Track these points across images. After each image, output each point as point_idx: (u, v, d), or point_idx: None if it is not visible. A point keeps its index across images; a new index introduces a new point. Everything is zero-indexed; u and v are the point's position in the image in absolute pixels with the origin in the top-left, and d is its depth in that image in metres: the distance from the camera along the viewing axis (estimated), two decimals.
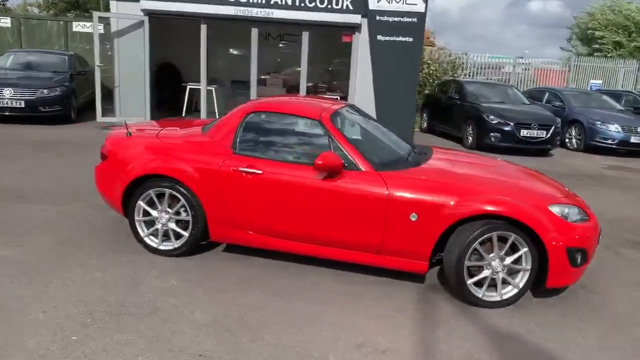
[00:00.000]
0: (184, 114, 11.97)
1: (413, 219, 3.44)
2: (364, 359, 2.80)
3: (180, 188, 3.84)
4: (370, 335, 3.03)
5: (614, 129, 11.34)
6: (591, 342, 3.15)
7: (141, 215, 4.00)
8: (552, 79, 20.06)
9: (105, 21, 10.53)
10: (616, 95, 14.35)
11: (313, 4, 10.26)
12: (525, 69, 19.89)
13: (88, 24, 14.12)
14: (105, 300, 3.25)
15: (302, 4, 10.24)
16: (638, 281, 4.15)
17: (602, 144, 11.38)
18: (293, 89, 12.78)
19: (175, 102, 13.13)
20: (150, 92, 10.70)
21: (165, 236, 4.01)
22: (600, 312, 3.57)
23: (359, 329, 3.10)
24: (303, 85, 10.90)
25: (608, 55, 21.77)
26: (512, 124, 10.31)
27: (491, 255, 3.42)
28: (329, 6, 10.29)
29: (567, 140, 12.01)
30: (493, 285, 3.49)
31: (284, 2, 10.23)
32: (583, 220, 3.53)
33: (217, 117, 11.58)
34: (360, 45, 10.53)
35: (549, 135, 10.42)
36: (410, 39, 10.37)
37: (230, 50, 13.80)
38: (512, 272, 3.50)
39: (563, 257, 3.34)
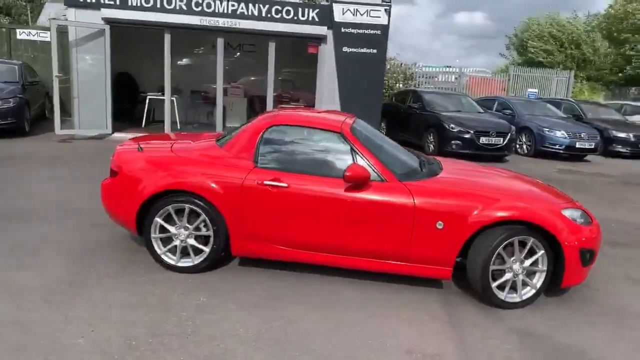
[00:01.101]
0: (143, 125, 11.63)
1: (439, 227, 3.59)
2: None
3: (201, 203, 3.79)
4: (414, 341, 3.14)
5: (560, 135, 12.15)
6: (605, 334, 3.42)
7: (158, 233, 3.91)
8: (488, 87, 21.11)
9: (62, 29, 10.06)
10: (556, 103, 15.37)
11: (279, 15, 10.33)
12: (457, 78, 20.91)
13: (34, 31, 13.42)
14: (141, 321, 3.16)
15: (269, 15, 10.28)
16: (629, 277, 4.51)
17: (550, 149, 12.16)
18: (257, 98, 12.76)
19: (132, 112, 12.74)
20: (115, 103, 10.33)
21: (183, 253, 3.94)
22: (604, 306, 3.86)
23: (401, 336, 3.20)
24: (270, 95, 10.93)
25: (537, 60, 23.28)
26: (471, 132, 10.82)
27: (512, 259, 3.63)
28: (295, 17, 10.39)
29: (518, 146, 12.72)
30: (512, 287, 3.69)
31: (250, 13, 10.23)
32: (588, 222, 3.82)
33: (179, 127, 11.38)
34: (326, 56, 10.71)
35: (505, 142, 11.02)
36: (374, 51, 10.68)
37: (188, 60, 13.56)
38: (529, 274, 3.72)
39: (576, 258, 3.61)
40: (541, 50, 23.62)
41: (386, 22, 10.57)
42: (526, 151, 12.59)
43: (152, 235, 3.90)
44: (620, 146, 13.67)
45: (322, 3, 10.42)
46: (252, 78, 13.77)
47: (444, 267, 3.70)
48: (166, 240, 3.96)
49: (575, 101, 15.89)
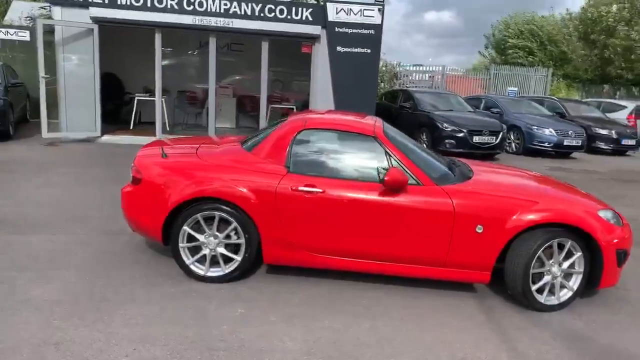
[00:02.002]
0: (131, 127, 11.33)
1: (479, 231, 3.55)
2: None
3: (233, 210, 3.66)
4: (467, 350, 3.09)
5: (549, 133, 12.34)
6: (627, 339, 3.42)
7: (185, 242, 3.76)
8: (465, 86, 21.36)
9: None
10: (539, 101, 15.61)
11: (273, 14, 10.17)
12: (431, 77, 21.13)
13: (12, 30, 12.92)
14: (183, 336, 3.02)
15: (262, 14, 10.12)
16: None
17: (539, 147, 12.34)
18: (247, 98, 12.58)
19: (118, 114, 12.40)
20: (102, 105, 10.01)
21: (211, 262, 3.80)
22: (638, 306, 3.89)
23: (452, 344, 3.14)
24: (264, 95, 10.76)
25: (519, 62, 23.66)
26: (465, 130, 10.88)
27: (551, 261, 3.61)
28: (289, 17, 10.26)
29: (507, 144, 12.87)
30: (550, 290, 3.68)
31: (243, 12, 10.05)
32: (620, 223, 3.83)
33: (168, 127, 11.12)
34: (320, 56, 10.60)
35: (498, 140, 11.13)
36: (368, 50, 10.63)
37: (175, 60, 13.26)
38: (566, 276, 3.71)
39: (613, 259, 3.62)
40: (520, 48, 24.02)
41: (380, 22, 10.53)
42: (515, 149, 12.75)
43: (180, 244, 3.75)
44: (602, 143, 13.97)
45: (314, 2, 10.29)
46: (238, 77, 13.57)
47: (482, 271, 3.66)
48: (193, 250, 3.81)
49: (557, 99, 16.19)
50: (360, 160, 3.80)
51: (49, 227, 4.80)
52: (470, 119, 11.49)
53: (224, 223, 3.74)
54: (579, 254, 3.62)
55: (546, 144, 12.30)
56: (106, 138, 10.09)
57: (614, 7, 22.60)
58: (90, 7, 9.45)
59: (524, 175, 4.48)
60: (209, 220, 3.74)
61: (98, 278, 3.75)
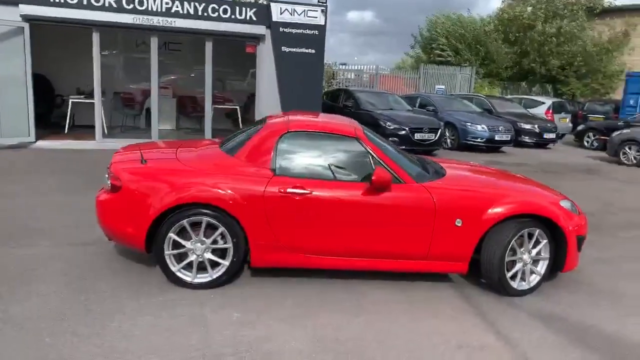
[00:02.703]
0: (66, 130, 10.74)
1: (458, 224, 3.78)
2: (470, 357, 3.05)
3: (220, 215, 3.64)
4: (459, 337, 3.29)
5: (481, 129, 13.08)
6: (605, 312, 3.80)
7: (171, 249, 3.69)
8: (395, 84, 22.08)
9: None
10: (468, 99, 16.49)
11: (216, 13, 10.03)
12: (358, 75, 21.74)
13: None
14: (187, 344, 2.99)
15: (205, 14, 9.95)
16: (598, 259, 5.01)
17: (472, 143, 13.06)
18: (188, 99, 12.31)
19: (48, 117, 11.69)
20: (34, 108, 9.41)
21: (197, 268, 3.76)
22: (593, 285, 4.29)
23: (445, 333, 3.33)
24: (209, 95, 10.58)
25: (448, 60, 24.78)
26: (407, 128, 11.30)
27: (522, 249, 3.91)
28: (233, 16, 10.16)
29: (443, 140, 13.49)
30: (521, 276, 3.98)
31: (186, 11, 9.83)
32: (576, 211, 4.21)
33: (106, 131, 10.65)
34: (265, 56, 10.59)
35: (437, 137, 11.66)
36: (313, 51, 10.76)
37: (110, 60, 12.70)
38: (534, 262, 4.02)
39: (575, 244, 3.98)
40: (449, 47, 25.12)
41: (323, 23, 10.69)
42: (450, 145, 13.40)
43: (166, 252, 3.68)
44: (527, 137, 14.98)
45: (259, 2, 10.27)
46: (173, 77, 13.22)
47: (461, 262, 3.90)
48: (177, 257, 3.75)
49: (484, 96, 17.18)
50: (344, 161, 3.91)
51: (14, 240, 4.51)
52: (410, 117, 11.94)
53: (210, 228, 3.71)
54: (545, 241, 3.95)
55: (479, 140, 13.03)
56: (41, 143, 9.51)
57: (529, 9, 24.22)
58: (20, 5, 8.85)
59: (488, 171, 4.80)
60: (195, 225, 3.69)
61: (78, 291, 3.60)
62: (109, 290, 3.65)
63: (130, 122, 12.28)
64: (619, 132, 13.30)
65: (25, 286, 3.62)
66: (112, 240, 3.99)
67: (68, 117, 10.78)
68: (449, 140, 13.44)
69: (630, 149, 12.67)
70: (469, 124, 13.16)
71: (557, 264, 4.04)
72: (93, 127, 10.16)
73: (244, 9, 10.17)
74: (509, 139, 13.36)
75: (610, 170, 11.61)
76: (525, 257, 3.93)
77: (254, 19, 10.30)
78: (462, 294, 3.98)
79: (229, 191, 3.64)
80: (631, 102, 18.52)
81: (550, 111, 18.03)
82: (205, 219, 3.65)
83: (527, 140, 14.93)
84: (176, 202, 3.59)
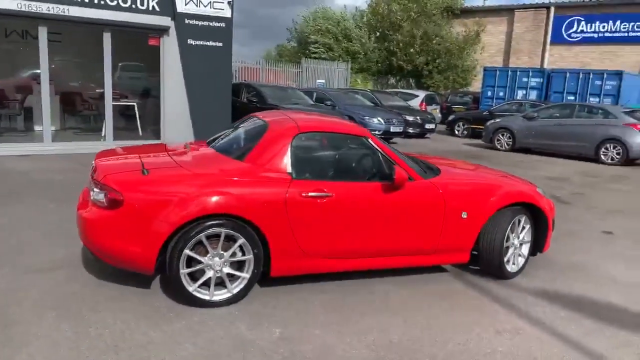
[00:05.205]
0: None
1: (464, 217, 3.98)
2: (511, 341, 3.25)
3: (241, 225, 3.38)
4: (493, 323, 3.49)
5: (377, 122, 13.71)
6: (580, 286, 4.28)
7: (185, 267, 3.34)
8: (279, 78, 22.12)
9: None
10: (355, 93, 17.16)
11: (115, 2, 9.10)
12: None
13: None
14: None
15: (103, 2, 8.97)
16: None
17: None
18: (77, 96, 11.03)
19: None
20: None
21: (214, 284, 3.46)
22: (564, 264, 4.80)
23: (479, 322, 3.50)
24: (108, 91, 9.58)
25: (322, 57, 25.48)
26: None
27: (513, 235, 4.24)
28: (133, 6, 9.31)
29: None
30: (512, 260, 4.31)
31: None
32: (547, 196, 4.67)
33: None
34: (170, 49, 9.90)
35: None
36: (220, 44, 10.33)
37: None
38: (520, 245, 4.38)
39: (551, 227, 4.42)
40: (321, 44, 25.81)
41: (230, 15, 10.30)
42: None
43: (181, 270, 3.32)
44: (411, 128, 16.05)
45: None
46: (37, 71, 11.70)
47: (464, 252, 4.11)
48: (190, 274, 3.41)
49: (370, 91, 18.02)
50: (357, 161, 3.87)
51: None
52: (319, 112, 12.06)
53: (227, 240, 3.42)
54: (529, 226, 4.33)
55: (377, 132, 13.62)
56: None
57: (397, 7, 25.83)
58: None
59: (469, 165, 5.09)
60: (211, 238, 3.38)
61: (83, 325, 3.09)
62: (117, 321, 3.19)
63: (6, 123, 10.63)
64: (492, 121, 14.93)
65: (16, 328, 3.00)
66: (109, 263, 3.47)
67: None
68: None
69: (503, 135, 14.31)
70: (367, 117, 13.70)
71: (537, 246, 4.46)
72: None
73: None
74: (401, 130, 14.20)
75: (491, 155, 12.99)
76: (516, 241, 4.27)
77: (157, 9, 9.56)
78: (469, 282, 4.20)
79: (248, 198, 3.38)
80: (489, 93, 20.88)
81: (424, 103, 19.62)
82: (224, 231, 3.35)
83: (411, 131, 15.99)
84: (194, 215, 3.25)
